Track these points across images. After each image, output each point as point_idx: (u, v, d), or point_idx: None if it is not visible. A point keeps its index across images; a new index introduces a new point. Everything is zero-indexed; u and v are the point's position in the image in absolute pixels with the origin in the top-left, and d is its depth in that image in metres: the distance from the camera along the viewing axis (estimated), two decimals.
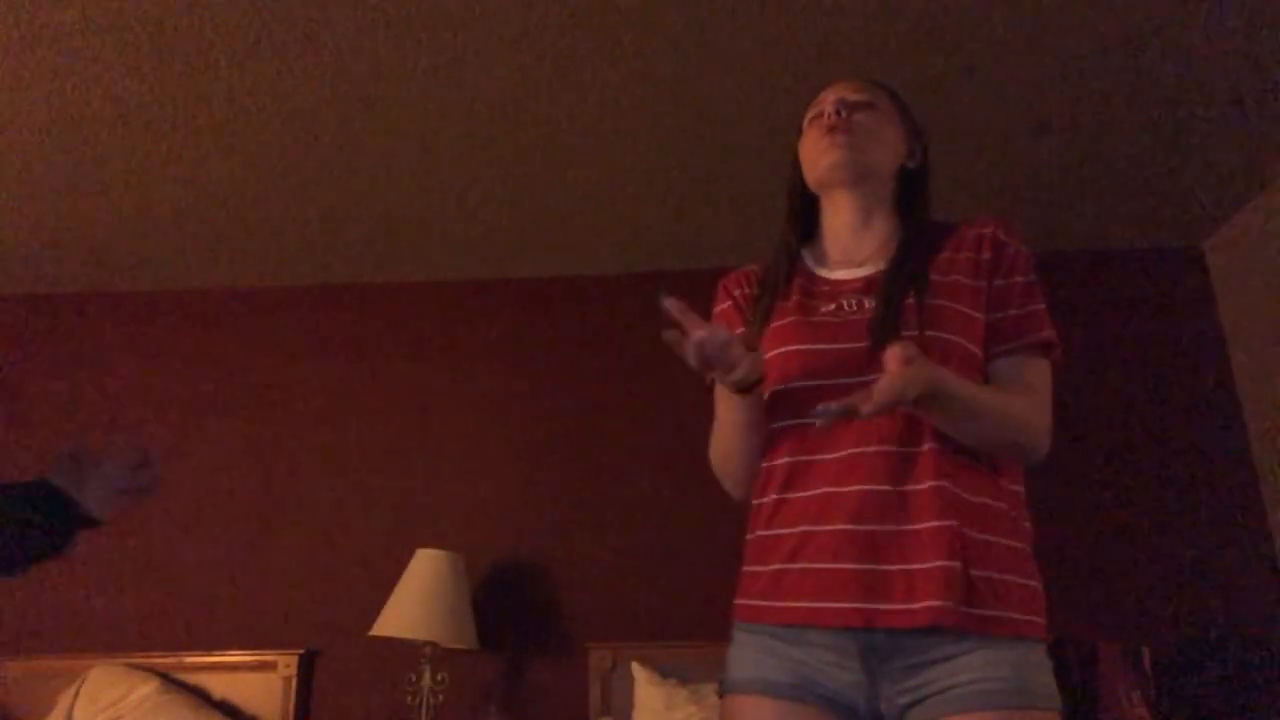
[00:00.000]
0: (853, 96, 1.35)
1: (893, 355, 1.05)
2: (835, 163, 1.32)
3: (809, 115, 1.39)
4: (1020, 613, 1.12)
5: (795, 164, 1.43)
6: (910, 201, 1.37)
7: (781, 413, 1.26)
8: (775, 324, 1.30)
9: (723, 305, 1.42)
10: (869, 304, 1.25)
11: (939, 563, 1.10)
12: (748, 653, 1.21)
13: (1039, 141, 2.81)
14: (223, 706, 2.99)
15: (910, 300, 1.22)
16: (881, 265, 1.30)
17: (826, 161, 1.32)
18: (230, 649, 3.12)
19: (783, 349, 1.26)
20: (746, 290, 1.40)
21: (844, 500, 1.16)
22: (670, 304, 1.07)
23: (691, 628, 3.07)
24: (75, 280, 3.56)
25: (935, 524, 1.12)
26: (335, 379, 3.51)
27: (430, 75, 2.50)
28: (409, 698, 2.91)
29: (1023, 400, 1.20)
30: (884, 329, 1.20)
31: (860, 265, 1.32)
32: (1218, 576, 3.05)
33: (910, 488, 1.14)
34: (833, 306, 1.27)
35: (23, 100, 2.56)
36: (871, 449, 1.17)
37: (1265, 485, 3.12)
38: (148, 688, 2.89)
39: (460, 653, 3.01)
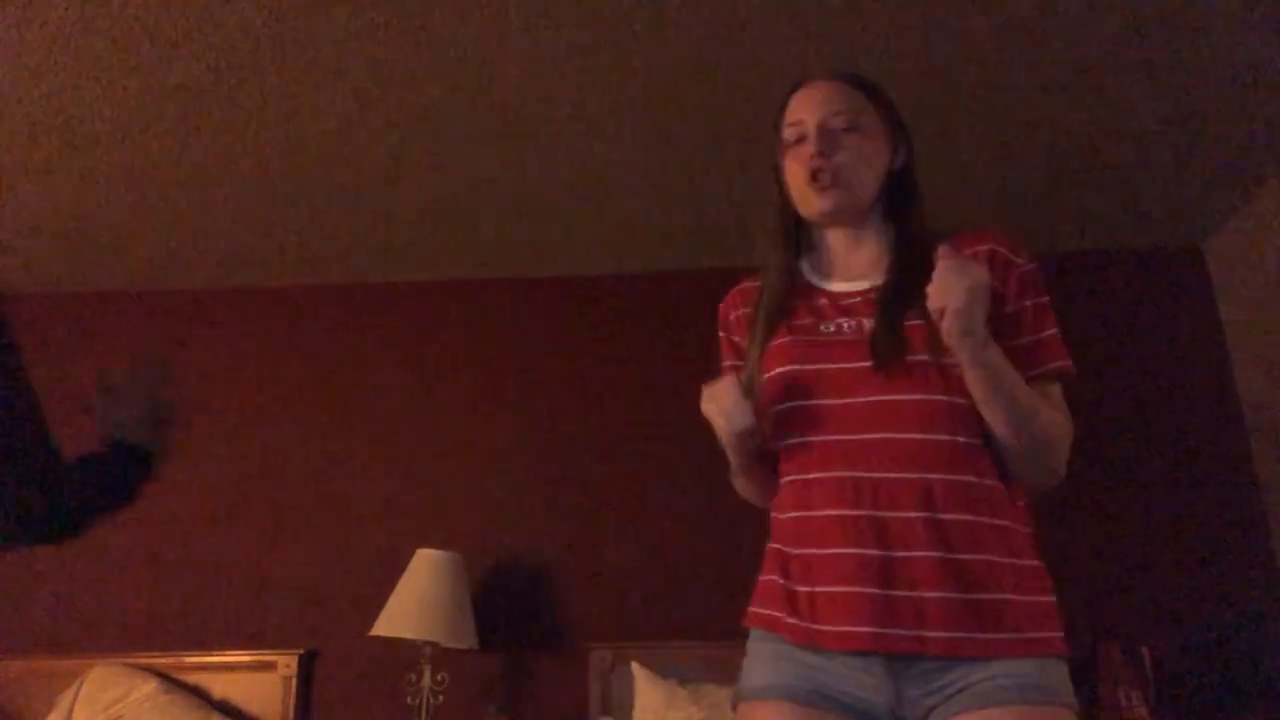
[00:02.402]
0: (834, 121, 1.29)
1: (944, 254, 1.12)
2: (824, 211, 1.30)
3: (787, 134, 1.33)
4: (1035, 631, 1.13)
5: (778, 183, 1.37)
6: (901, 202, 1.34)
7: (785, 432, 1.26)
8: (775, 342, 1.29)
9: (719, 335, 1.44)
10: (868, 324, 1.23)
11: (947, 594, 1.11)
12: (763, 661, 1.20)
13: (1039, 141, 2.81)
14: (223, 706, 2.99)
15: (917, 322, 1.20)
16: (878, 279, 1.28)
17: (815, 210, 1.30)
18: (230, 649, 3.12)
19: (781, 369, 1.26)
20: (743, 311, 1.39)
21: (853, 523, 1.15)
22: None
23: (691, 628, 3.07)
24: (73, 280, 3.56)
25: (943, 555, 1.12)
26: (335, 379, 3.51)
27: (430, 75, 2.50)
28: (409, 698, 2.91)
29: (1057, 414, 1.22)
30: (887, 347, 1.19)
31: (858, 278, 1.31)
32: (1218, 576, 3.05)
33: (919, 515, 1.13)
34: (833, 327, 1.26)
35: (23, 100, 2.56)
36: (879, 475, 1.16)
37: (1265, 485, 3.12)
38: (148, 688, 2.89)
39: (460, 653, 3.01)
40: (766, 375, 1.28)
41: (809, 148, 1.29)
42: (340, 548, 3.27)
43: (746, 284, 1.42)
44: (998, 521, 1.16)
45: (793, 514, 1.22)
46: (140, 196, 3.03)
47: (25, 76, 2.47)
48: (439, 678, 2.91)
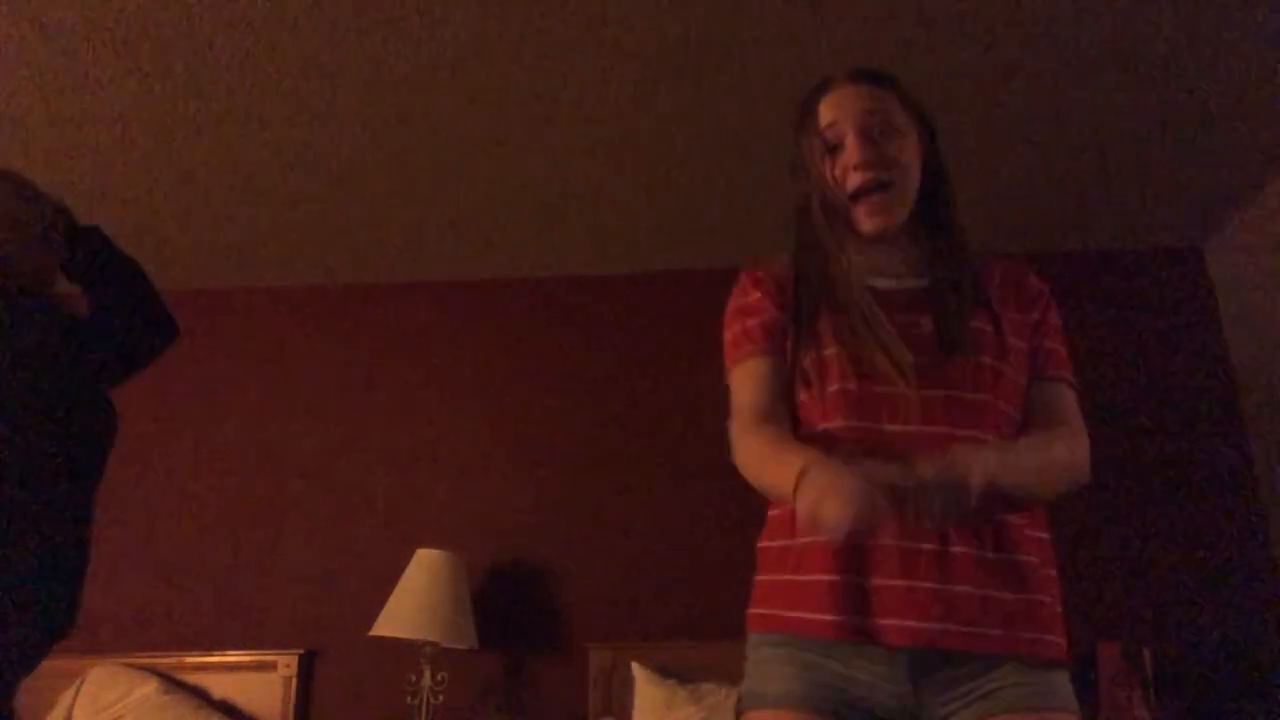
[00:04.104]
0: (871, 122, 1.24)
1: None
2: (876, 231, 1.24)
3: (826, 136, 1.25)
4: (1058, 635, 1.16)
5: (808, 181, 1.28)
6: (936, 198, 1.29)
7: (834, 414, 1.19)
8: (831, 330, 1.23)
9: (752, 297, 1.31)
10: (925, 321, 1.21)
11: (994, 591, 1.12)
12: (776, 667, 1.15)
13: (1039, 141, 2.81)
14: (223, 706, 2.99)
15: (985, 326, 1.21)
16: (921, 279, 1.26)
17: (874, 226, 1.24)
18: (230, 649, 3.12)
19: (845, 352, 1.21)
20: (776, 292, 1.30)
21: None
22: None
23: (691, 628, 3.07)
24: None
25: (990, 554, 1.13)
26: (335, 379, 3.51)
27: (430, 75, 2.50)
28: (409, 698, 2.91)
29: (1063, 441, 1.21)
30: (957, 343, 1.19)
31: (898, 276, 1.27)
32: (1218, 577, 3.05)
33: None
34: (907, 320, 1.22)
35: (23, 100, 2.56)
36: None
37: (1265, 485, 3.12)
38: (148, 688, 2.89)
39: (460, 653, 3.01)
40: (825, 352, 1.22)
41: (851, 155, 1.23)
42: (340, 548, 3.27)
43: (770, 270, 1.33)
44: (1036, 531, 1.20)
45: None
46: (139, 196, 3.03)
47: (25, 74, 2.47)
48: (439, 678, 2.91)
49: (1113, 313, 3.38)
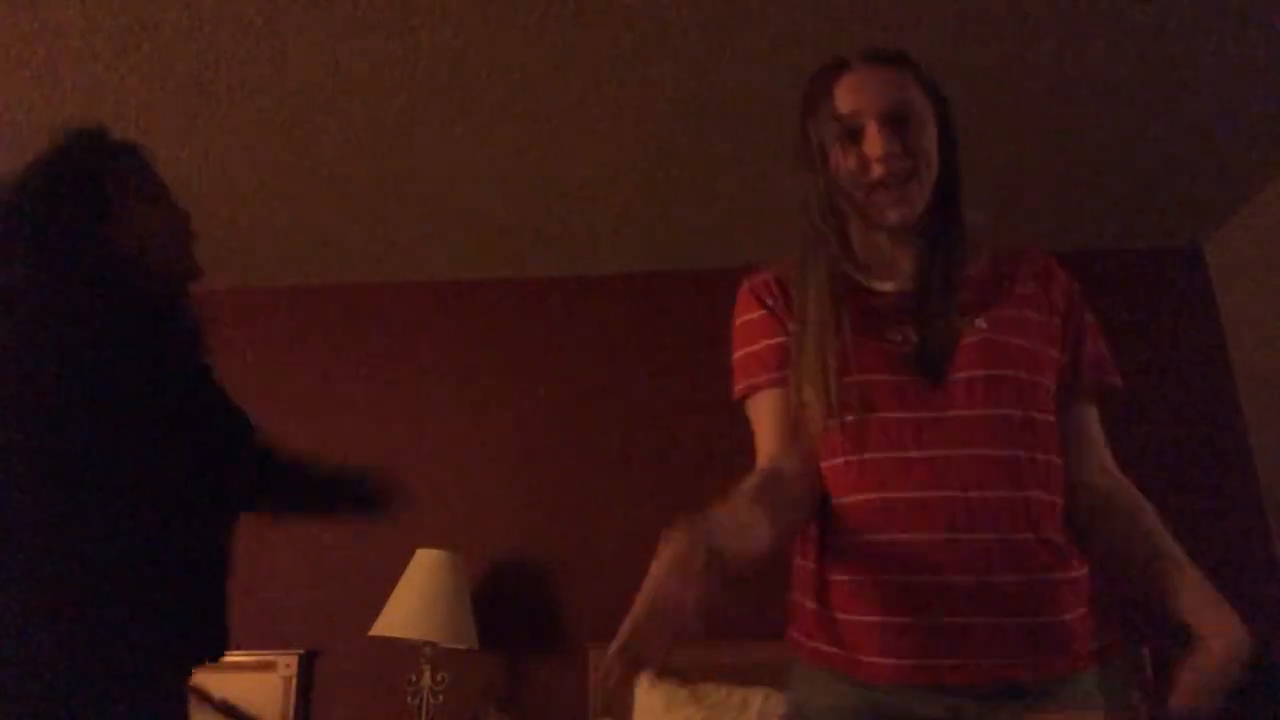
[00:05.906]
0: (897, 114, 1.16)
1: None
2: (899, 222, 1.18)
3: (846, 123, 1.18)
4: (1083, 644, 1.18)
5: (817, 171, 1.21)
6: (947, 191, 1.23)
7: (872, 444, 1.14)
8: (851, 348, 1.16)
9: (754, 314, 1.25)
10: (911, 333, 1.17)
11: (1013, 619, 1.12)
12: (819, 686, 1.16)
13: (1039, 141, 2.81)
14: (223, 707, 2.99)
15: (972, 339, 1.15)
16: (914, 282, 1.21)
17: (899, 216, 1.18)
18: (230, 649, 3.12)
19: (865, 376, 1.15)
20: (781, 300, 1.24)
21: (956, 547, 1.11)
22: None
23: None
24: None
25: (1021, 577, 1.13)
26: (334, 379, 3.51)
27: (429, 75, 2.50)
28: (409, 698, 2.91)
29: (1129, 485, 1.31)
30: (942, 360, 1.15)
31: (907, 277, 1.22)
32: (1218, 577, 3.03)
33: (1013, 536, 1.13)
34: (899, 336, 1.17)
35: (23, 100, 2.56)
36: (972, 493, 1.11)
37: (1265, 485, 3.12)
38: None
39: (460, 653, 3.01)
40: (849, 379, 1.14)
41: (874, 148, 1.15)
42: (340, 548, 3.26)
43: (768, 275, 1.28)
44: (1066, 544, 1.24)
45: (880, 536, 1.13)
46: None
47: (25, 76, 2.47)
48: (439, 678, 2.91)
49: (1113, 313, 3.37)
